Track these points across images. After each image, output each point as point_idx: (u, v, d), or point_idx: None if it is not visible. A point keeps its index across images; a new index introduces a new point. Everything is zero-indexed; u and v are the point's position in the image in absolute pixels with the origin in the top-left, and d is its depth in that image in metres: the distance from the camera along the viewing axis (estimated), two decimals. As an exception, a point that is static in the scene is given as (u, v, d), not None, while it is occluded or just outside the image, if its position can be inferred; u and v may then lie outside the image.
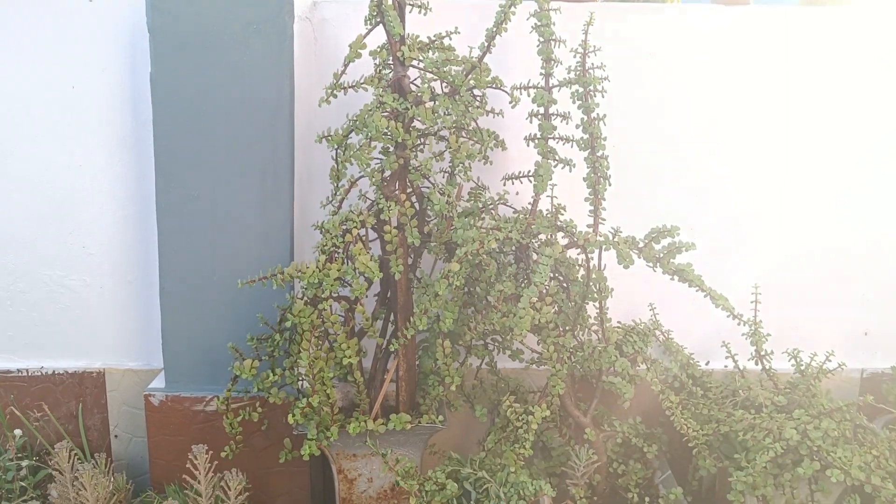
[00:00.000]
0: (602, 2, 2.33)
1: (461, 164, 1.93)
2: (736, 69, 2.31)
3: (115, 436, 2.39)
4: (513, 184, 2.09)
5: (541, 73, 1.93)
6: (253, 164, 2.09)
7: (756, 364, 2.16)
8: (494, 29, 1.79)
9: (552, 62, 1.92)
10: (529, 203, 2.00)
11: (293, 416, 1.85)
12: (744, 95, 2.32)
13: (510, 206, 2.14)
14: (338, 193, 2.01)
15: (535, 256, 1.97)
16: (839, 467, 1.84)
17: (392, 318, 2.11)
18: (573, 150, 1.95)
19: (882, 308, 2.43)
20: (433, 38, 1.97)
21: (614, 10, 2.27)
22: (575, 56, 1.88)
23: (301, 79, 2.13)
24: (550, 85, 1.93)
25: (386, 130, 1.81)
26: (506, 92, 1.94)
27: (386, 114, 1.82)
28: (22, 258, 2.31)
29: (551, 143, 1.94)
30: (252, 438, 2.16)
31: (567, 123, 1.95)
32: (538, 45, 1.90)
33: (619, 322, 2.26)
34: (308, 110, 2.19)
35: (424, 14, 1.90)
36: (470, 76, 1.82)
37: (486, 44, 1.81)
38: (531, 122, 1.95)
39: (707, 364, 2.36)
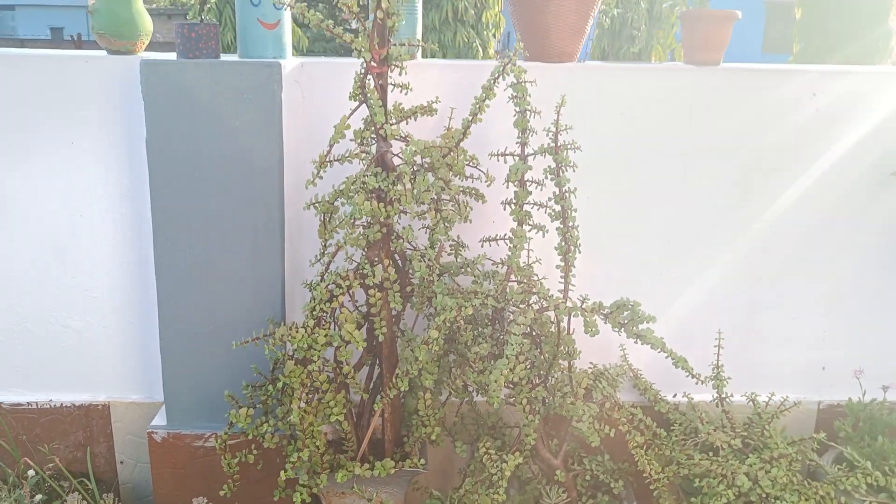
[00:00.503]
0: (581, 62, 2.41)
1: (441, 226, 2.06)
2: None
3: (121, 462, 2.56)
4: (490, 245, 2.21)
5: (517, 143, 2.04)
6: (245, 223, 2.21)
7: (717, 406, 2.33)
8: (471, 119, 1.89)
9: (528, 132, 2.02)
10: (508, 255, 2.11)
11: (286, 472, 2.01)
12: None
13: (489, 259, 2.27)
14: (325, 254, 2.13)
15: (510, 317, 2.11)
16: (784, 514, 2.02)
17: (377, 361, 2.26)
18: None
19: (839, 344, 2.59)
20: (415, 109, 2.07)
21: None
22: (548, 134, 1.98)
23: (290, 135, 2.22)
24: (526, 153, 2.04)
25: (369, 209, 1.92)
26: (482, 172, 2.05)
27: (369, 192, 1.93)
28: (28, 300, 2.44)
29: (526, 207, 2.06)
30: (249, 470, 2.33)
31: (542, 190, 2.06)
32: (514, 116, 2.01)
33: (591, 363, 2.41)
34: (297, 165, 2.29)
35: (406, 94, 1.99)
36: (446, 158, 1.92)
37: (462, 130, 1.91)
38: (507, 187, 2.06)
39: (674, 396, 2.52)
